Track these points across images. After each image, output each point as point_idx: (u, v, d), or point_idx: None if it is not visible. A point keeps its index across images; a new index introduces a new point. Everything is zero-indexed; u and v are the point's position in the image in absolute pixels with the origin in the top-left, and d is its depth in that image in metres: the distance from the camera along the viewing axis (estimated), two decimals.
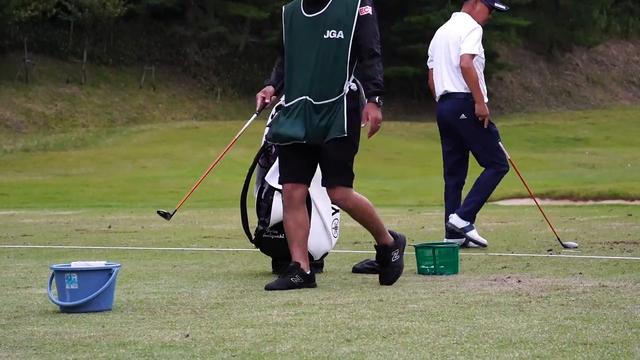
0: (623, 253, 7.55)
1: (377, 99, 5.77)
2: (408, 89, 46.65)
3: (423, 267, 6.46)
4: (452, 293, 5.46)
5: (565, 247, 7.97)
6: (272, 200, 6.49)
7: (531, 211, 14.02)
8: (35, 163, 29.38)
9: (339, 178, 5.83)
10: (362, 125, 5.83)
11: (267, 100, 6.03)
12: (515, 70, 50.43)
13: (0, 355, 3.92)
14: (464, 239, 8.13)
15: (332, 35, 5.74)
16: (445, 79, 8.14)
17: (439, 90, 8.26)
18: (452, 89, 8.13)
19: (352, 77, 5.81)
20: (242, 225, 6.75)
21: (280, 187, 6.47)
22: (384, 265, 5.97)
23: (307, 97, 5.76)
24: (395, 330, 4.29)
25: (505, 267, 6.73)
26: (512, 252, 7.79)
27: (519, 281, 5.90)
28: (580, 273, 6.32)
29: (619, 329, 4.23)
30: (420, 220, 12.05)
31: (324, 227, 6.58)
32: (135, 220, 13.10)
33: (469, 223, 8.11)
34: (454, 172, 8.41)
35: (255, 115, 6.27)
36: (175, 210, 6.56)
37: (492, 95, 48.83)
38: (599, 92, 52.30)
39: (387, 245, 5.98)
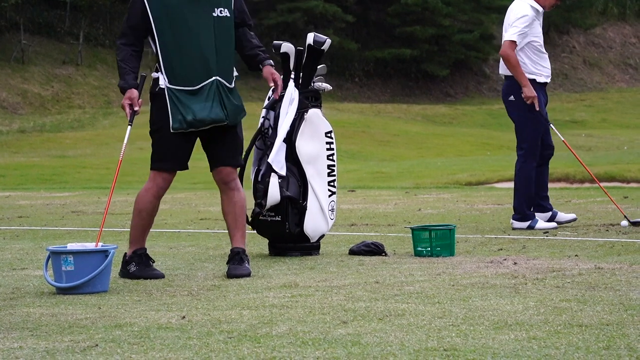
0: (619, 235, 7.57)
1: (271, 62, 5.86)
2: (405, 71, 46.58)
3: (419, 249, 6.47)
4: (448, 275, 5.47)
5: (634, 224, 7.97)
6: (268, 182, 6.49)
7: None
8: (32, 144, 29.36)
9: (238, 158, 5.82)
10: (271, 85, 5.82)
11: (136, 108, 5.65)
12: None
13: None
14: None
15: (220, 13, 5.64)
16: (502, 62, 8.25)
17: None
18: (506, 72, 8.25)
19: None
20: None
21: (278, 170, 6.46)
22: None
23: (218, 78, 5.61)
24: (391, 312, 4.30)
25: (501, 249, 6.74)
26: (508, 235, 7.80)
27: (515, 263, 5.91)
28: (576, 255, 6.33)
29: (614, 311, 4.24)
30: (416, 203, 12.05)
31: (321, 209, 6.58)
32: (131, 202, 13.08)
33: (528, 222, 8.14)
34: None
35: (129, 127, 5.76)
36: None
37: (490, 77, 48.83)
38: (596, 75, 52.28)
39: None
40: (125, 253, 5.72)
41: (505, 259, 6.13)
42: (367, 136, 31.17)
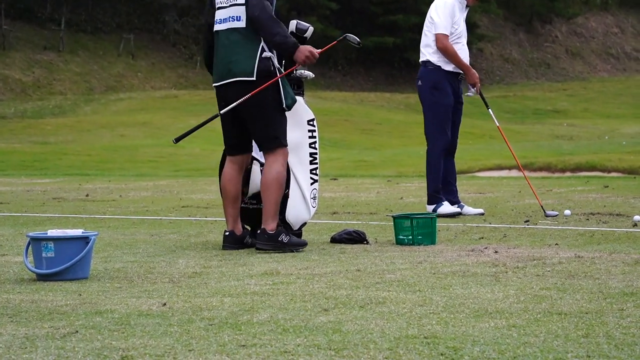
0: (599, 224, 7.61)
1: None
2: (388, 60, 46.57)
3: (401, 237, 6.48)
4: (429, 263, 5.49)
5: (548, 216, 8.07)
6: (250, 170, 6.48)
7: (509, 182, 14.08)
8: (13, 130, 29.21)
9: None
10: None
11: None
12: (495, 42, 50.45)
13: None
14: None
15: None
16: (422, 50, 8.66)
17: None
18: (423, 57, 8.64)
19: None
20: (220, 194, 6.75)
21: (260, 157, 6.47)
22: None
23: None
24: (372, 300, 4.31)
25: (482, 238, 6.77)
26: (490, 223, 7.83)
27: (496, 252, 5.93)
28: (557, 244, 6.36)
29: (593, 299, 4.27)
30: (398, 191, 12.07)
31: (303, 197, 6.58)
32: (113, 189, 13.07)
33: (434, 205, 8.44)
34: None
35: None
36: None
37: (472, 66, 48.92)
38: (578, 64, 52.43)
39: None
40: (262, 228, 6.07)
41: (486, 248, 6.15)
42: (349, 124, 31.19)
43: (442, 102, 8.49)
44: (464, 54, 8.56)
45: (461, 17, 8.58)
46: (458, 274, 5.04)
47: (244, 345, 3.43)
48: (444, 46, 8.39)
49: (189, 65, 43.14)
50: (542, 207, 8.43)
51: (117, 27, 42.67)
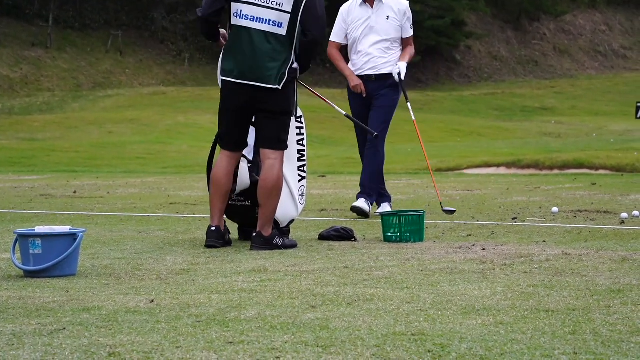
0: (586, 221, 7.63)
1: None
2: None
3: (389, 234, 6.49)
4: (417, 261, 5.49)
5: (446, 212, 7.97)
6: (238, 167, 6.47)
7: (497, 180, 14.11)
8: (0, 127, 29.10)
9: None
10: None
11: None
12: (483, 39, 50.50)
13: None
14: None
15: None
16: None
17: None
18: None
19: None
20: (208, 191, 6.74)
21: (248, 154, 6.47)
22: None
23: None
24: (360, 297, 4.31)
25: (470, 235, 6.78)
26: (477, 220, 7.84)
27: (484, 249, 5.94)
28: (544, 241, 6.37)
29: (580, 296, 4.28)
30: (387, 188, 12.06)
31: (291, 194, 6.58)
32: (101, 186, 13.04)
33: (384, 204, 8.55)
34: None
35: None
36: None
37: (461, 64, 48.92)
38: (566, 62, 52.54)
39: None
40: (259, 232, 6.10)
41: (473, 245, 6.16)
42: (338, 122, 31.16)
43: (351, 105, 8.55)
44: (365, 55, 8.37)
45: (362, 12, 8.32)
46: (446, 271, 5.05)
47: (231, 342, 3.43)
48: (329, 53, 8.49)
49: (177, 62, 43.07)
50: (440, 203, 8.41)
51: (105, 23, 42.56)
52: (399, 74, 8.32)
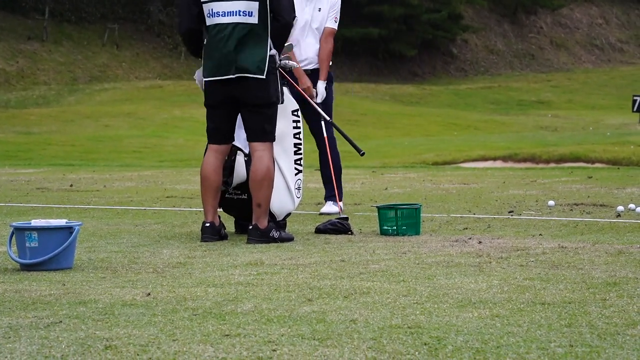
0: (582, 215, 7.64)
1: None
2: (373, 51, 46.54)
3: (385, 228, 6.49)
4: (413, 254, 5.50)
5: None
6: (234, 160, 6.47)
7: (493, 173, 14.12)
8: None
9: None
10: None
11: None
12: (479, 33, 50.49)
13: None
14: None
15: None
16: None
17: None
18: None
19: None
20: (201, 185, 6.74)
21: (245, 148, 6.46)
22: None
23: None
24: (356, 290, 4.31)
25: (466, 229, 6.78)
26: (474, 214, 7.85)
27: (480, 242, 5.95)
28: (540, 234, 6.38)
29: (576, 289, 4.29)
30: (383, 182, 12.09)
31: (287, 188, 6.58)
32: (97, 179, 13.03)
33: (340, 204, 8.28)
34: None
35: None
36: None
37: (457, 57, 48.91)
38: (563, 55, 52.55)
39: None
40: (254, 224, 6.10)
41: (470, 238, 6.16)
42: (334, 115, 31.15)
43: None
44: (307, 48, 8.15)
45: (308, 5, 8.06)
46: (442, 265, 5.06)
47: (227, 335, 3.43)
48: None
49: (173, 56, 43.03)
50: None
51: (102, 17, 42.50)
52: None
